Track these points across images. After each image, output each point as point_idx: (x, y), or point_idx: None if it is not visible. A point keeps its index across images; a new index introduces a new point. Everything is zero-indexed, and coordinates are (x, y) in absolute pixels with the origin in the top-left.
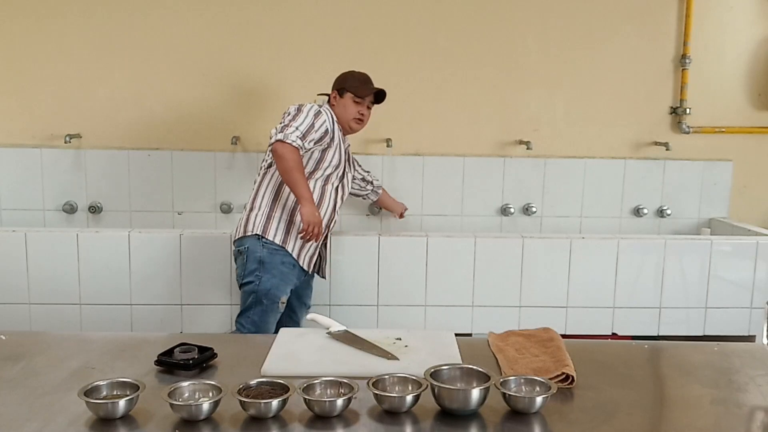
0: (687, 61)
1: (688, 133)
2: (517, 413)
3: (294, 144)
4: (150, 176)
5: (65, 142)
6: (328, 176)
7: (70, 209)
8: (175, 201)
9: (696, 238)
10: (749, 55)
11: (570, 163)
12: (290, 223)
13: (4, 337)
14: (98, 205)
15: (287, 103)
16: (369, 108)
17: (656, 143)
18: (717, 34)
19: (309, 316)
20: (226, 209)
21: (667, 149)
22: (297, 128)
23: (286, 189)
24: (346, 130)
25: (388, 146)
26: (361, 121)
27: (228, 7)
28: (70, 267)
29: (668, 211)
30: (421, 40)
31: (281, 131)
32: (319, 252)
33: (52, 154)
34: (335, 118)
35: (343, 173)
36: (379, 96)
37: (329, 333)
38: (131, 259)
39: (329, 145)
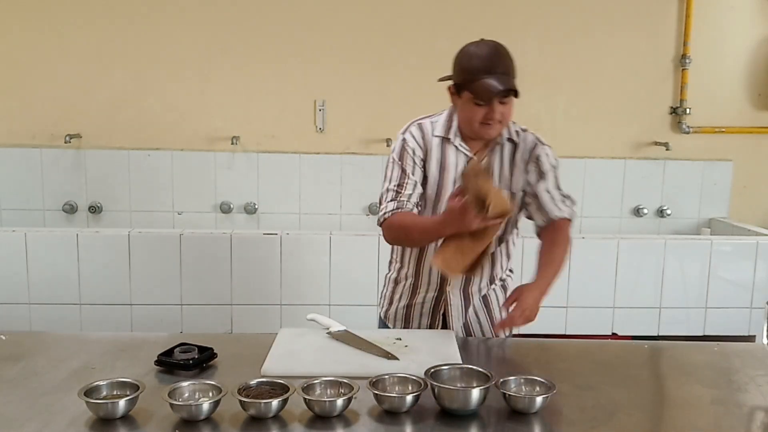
0: (687, 61)
1: (688, 133)
2: (517, 413)
3: (386, 216)
4: (150, 176)
5: (65, 142)
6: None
7: (70, 209)
8: (175, 201)
9: (696, 238)
10: (749, 55)
11: (570, 163)
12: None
13: (4, 337)
14: (98, 205)
15: (287, 102)
16: (503, 103)
17: (656, 143)
18: (717, 34)
19: (309, 316)
20: (226, 209)
21: (667, 149)
22: (387, 189)
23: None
24: (474, 136)
25: (387, 146)
26: (489, 124)
27: (228, 7)
28: (70, 267)
29: (668, 211)
30: (421, 40)
31: (379, 207)
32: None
33: (52, 154)
34: (445, 126)
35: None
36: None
37: (329, 333)
38: (131, 259)
39: (427, 175)
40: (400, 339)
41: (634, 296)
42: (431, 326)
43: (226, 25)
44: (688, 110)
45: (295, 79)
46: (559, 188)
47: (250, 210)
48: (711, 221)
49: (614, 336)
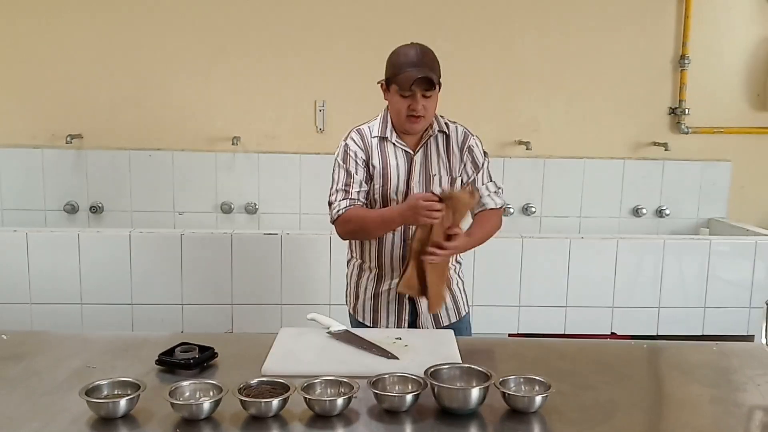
0: (686, 61)
1: (687, 133)
2: (517, 412)
3: (340, 213)
4: (151, 176)
5: (66, 143)
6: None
7: (72, 209)
8: (176, 201)
9: (695, 238)
10: (748, 55)
11: (569, 163)
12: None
13: (5, 337)
14: (99, 205)
15: (287, 103)
16: (426, 96)
17: (655, 143)
18: (716, 34)
19: (309, 315)
20: (227, 209)
21: (666, 149)
22: (336, 190)
23: None
24: (405, 131)
25: None
26: (415, 118)
27: (228, 8)
28: (71, 267)
29: (667, 211)
30: (421, 40)
31: (329, 208)
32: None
33: (54, 155)
34: (378, 126)
35: (407, 195)
36: (429, 79)
37: (329, 332)
38: (132, 259)
39: (372, 175)
40: (400, 338)
41: (633, 296)
42: (399, 311)
43: (226, 26)
44: (687, 111)
45: (295, 80)
46: (491, 179)
47: (250, 210)
48: (710, 221)
49: (613, 335)
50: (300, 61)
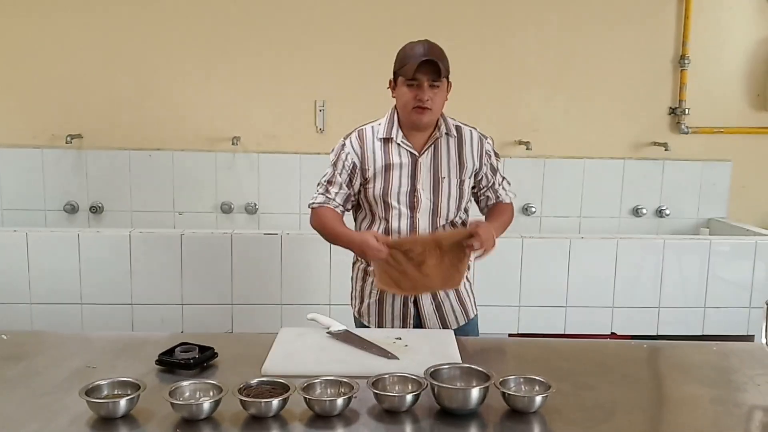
0: (686, 61)
1: (687, 133)
2: (517, 412)
3: (314, 206)
4: (151, 176)
5: (66, 143)
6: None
7: (72, 209)
8: (176, 201)
9: (695, 238)
10: (748, 55)
11: (569, 163)
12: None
13: (5, 337)
14: (99, 205)
15: (287, 103)
16: (433, 87)
17: (655, 143)
18: (716, 34)
19: (309, 315)
20: (227, 209)
21: (666, 149)
22: (320, 183)
23: None
24: (412, 126)
25: None
26: (421, 109)
27: (228, 8)
28: (71, 267)
29: (667, 212)
30: None
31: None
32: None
33: (54, 155)
34: (384, 128)
35: (413, 197)
36: (436, 67)
37: (329, 333)
38: (132, 259)
39: (371, 177)
40: (400, 338)
41: (633, 296)
42: (404, 315)
43: (226, 26)
44: (687, 111)
45: (295, 80)
46: (504, 177)
47: (250, 210)
48: (710, 221)
49: (613, 335)
50: (300, 61)
